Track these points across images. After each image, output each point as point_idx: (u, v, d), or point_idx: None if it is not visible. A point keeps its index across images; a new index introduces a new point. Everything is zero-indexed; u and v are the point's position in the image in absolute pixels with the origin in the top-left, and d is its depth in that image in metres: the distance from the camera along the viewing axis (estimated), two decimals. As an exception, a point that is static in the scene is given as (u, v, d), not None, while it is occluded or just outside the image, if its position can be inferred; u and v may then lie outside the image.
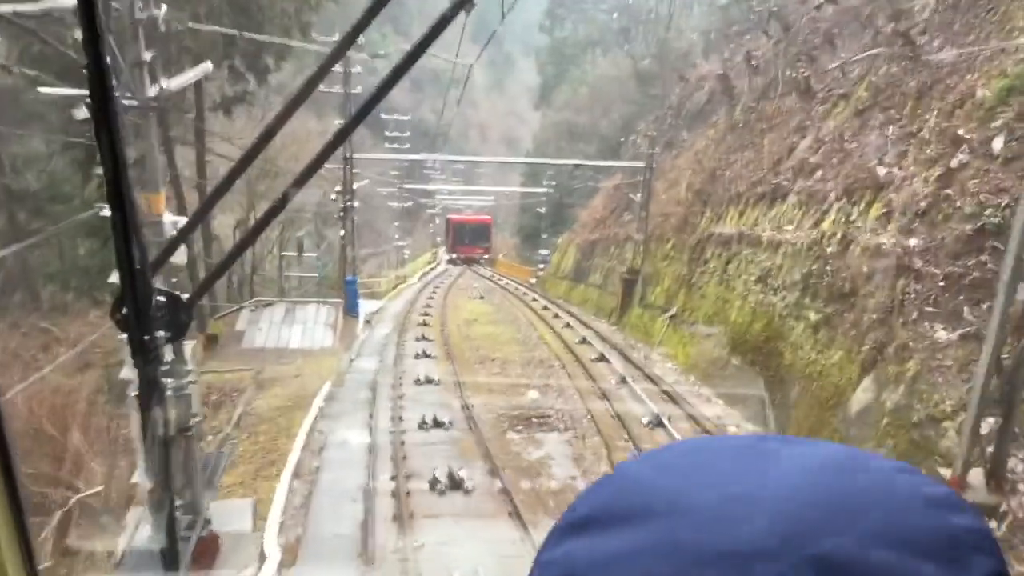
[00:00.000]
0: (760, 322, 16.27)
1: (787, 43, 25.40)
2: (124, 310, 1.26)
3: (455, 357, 20.86)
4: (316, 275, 29.78)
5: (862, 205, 14.68)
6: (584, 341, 23.88)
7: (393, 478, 11.33)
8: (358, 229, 34.29)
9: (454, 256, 64.48)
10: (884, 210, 13.57)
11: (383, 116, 46.98)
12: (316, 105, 46.66)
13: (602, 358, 20.71)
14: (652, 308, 25.89)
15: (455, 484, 10.89)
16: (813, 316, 13.66)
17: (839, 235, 14.16)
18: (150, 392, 1.51)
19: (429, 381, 17.69)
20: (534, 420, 14.89)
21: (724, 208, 22.59)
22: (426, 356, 21.05)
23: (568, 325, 27.67)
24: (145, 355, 1.34)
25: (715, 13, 44.27)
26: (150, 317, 1.29)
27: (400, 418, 14.59)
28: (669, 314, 23.29)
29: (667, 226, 27.20)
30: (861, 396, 11.47)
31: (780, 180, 19.69)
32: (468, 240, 64.25)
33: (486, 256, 65.16)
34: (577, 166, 35.17)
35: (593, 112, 59.92)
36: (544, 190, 52.38)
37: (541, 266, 50.09)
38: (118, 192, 1.11)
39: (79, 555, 10.90)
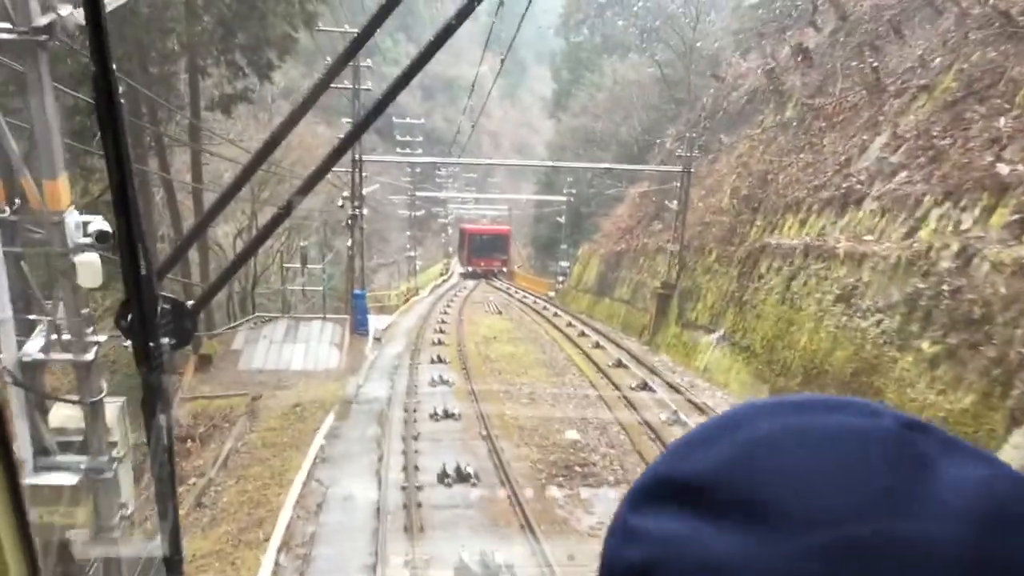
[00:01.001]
0: (844, 350, 13.65)
1: (845, 33, 22.86)
2: (129, 317, 1.15)
3: (476, 384, 18.29)
4: (321, 288, 27.22)
5: (976, 210, 12.09)
6: (620, 364, 21.28)
7: (408, 563, 8.76)
8: (367, 239, 31.84)
9: (469, 269, 60.68)
10: (1015, 216, 10.98)
11: (395, 119, 44.61)
12: (324, 112, 44.41)
13: (645, 386, 18.12)
14: (693, 327, 23.28)
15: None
16: (928, 347, 11.04)
17: (954, 247, 11.55)
18: (154, 400, 1.20)
19: (448, 415, 15.12)
20: (577, 469, 12.31)
21: (780, 216, 20.00)
22: (443, 383, 18.48)
23: (598, 345, 25.06)
24: (150, 362, 1.17)
25: (745, 13, 41.80)
26: (155, 324, 1.17)
27: (416, 467, 12.00)
28: (717, 335, 20.67)
29: (708, 236, 24.60)
30: (1013, 454, 8.85)
31: (851, 183, 17.12)
32: (485, 252, 60.49)
33: (504, 269, 61.46)
34: (608, 170, 32.53)
35: (612, 118, 57.68)
36: (563, 198, 49.74)
37: (560, 278, 47.46)
38: (123, 197, 1.02)
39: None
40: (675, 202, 26.78)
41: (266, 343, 24.14)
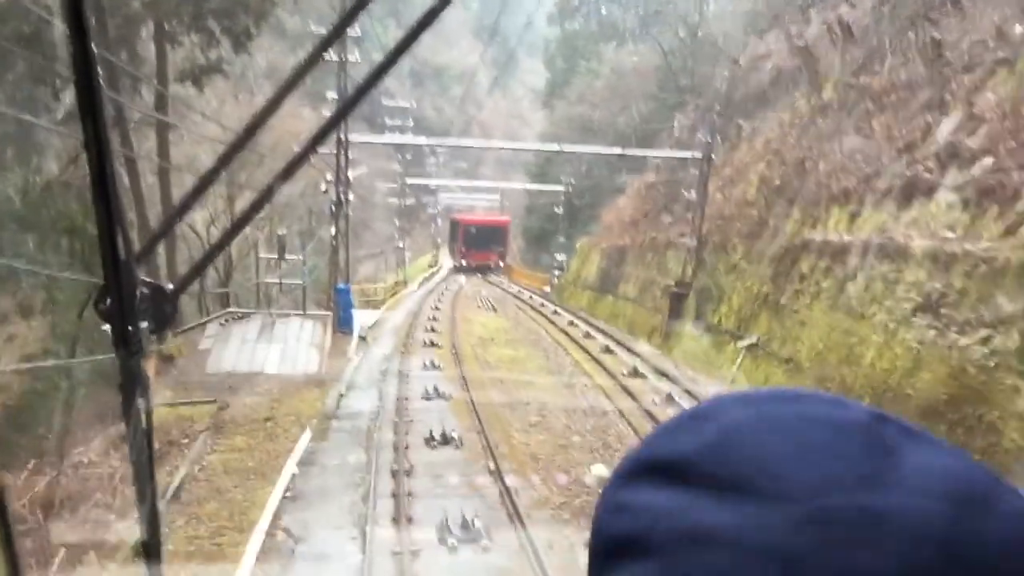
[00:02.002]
0: (933, 371, 11.22)
1: (893, 5, 20.44)
2: (108, 301, 1.11)
3: (476, 397, 15.79)
4: (301, 282, 24.57)
5: (1113, 203, 9.71)
6: (636, 373, 18.84)
7: None
8: (353, 228, 29.26)
9: (463, 263, 55.60)
10: None
11: (384, 101, 41.89)
12: (310, 98, 41.92)
13: (671, 401, 15.68)
14: (715, 332, 20.86)
15: None
16: (1071, 377, 8.62)
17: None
18: (133, 384, 1.14)
19: (446, 441, 12.60)
20: (611, 518, 9.81)
21: (823, 209, 17.60)
22: (439, 396, 15.96)
23: (608, 349, 22.61)
24: (128, 346, 1.11)
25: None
26: (134, 308, 1.12)
27: (409, 519, 9.48)
28: (747, 343, 18.25)
29: (731, 231, 22.19)
30: None
31: (917, 171, 14.72)
32: (480, 244, 55.44)
33: (501, 264, 56.69)
34: (619, 157, 29.89)
35: (610, 107, 55.52)
36: (561, 188, 47.19)
37: (557, 273, 44.95)
38: (102, 179, 1.01)
39: None
40: (690, 193, 24.37)
41: (238, 342, 21.55)
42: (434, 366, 19.21)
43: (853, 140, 18.26)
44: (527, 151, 66.21)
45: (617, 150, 27.21)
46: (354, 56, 23.91)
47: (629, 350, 22.90)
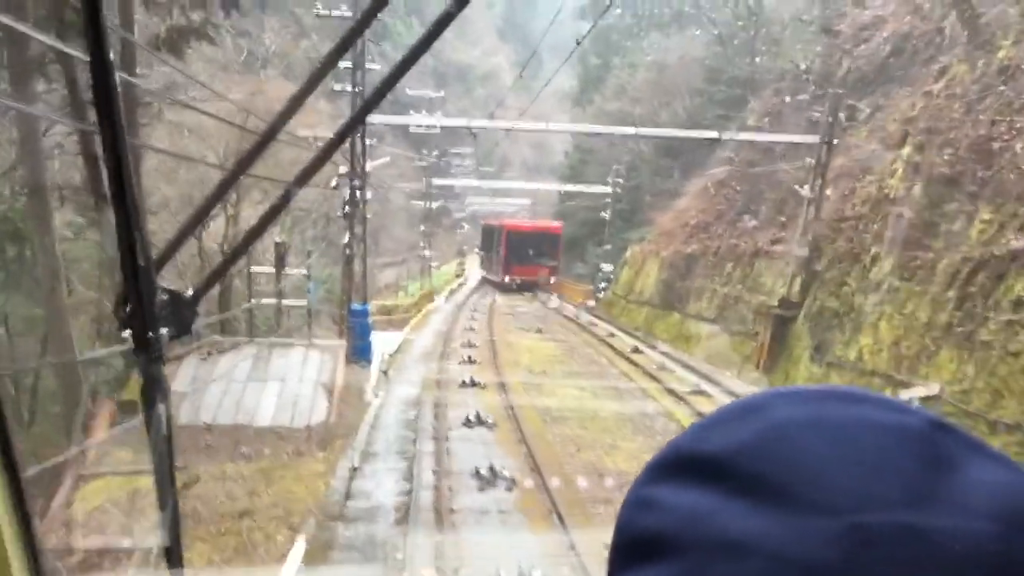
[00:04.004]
0: None
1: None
2: (128, 307, 1.12)
3: (548, 475, 10.65)
4: (305, 303, 19.53)
5: None
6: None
7: None
8: (372, 233, 24.26)
9: (506, 279, 45.71)
10: None
11: (409, 92, 37.04)
12: (327, 95, 37.39)
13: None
14: (850, 370, 15.62)
15: None
16: None
17: None
18: (153, 390, 1.16)
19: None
20: None
21: (1038, 204, 12.38)
22: (495, 478, 10.79)
23: (700, 390, 17.44)
24: (149, 352, 1.13)
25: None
26: (154, 314, 1.12)
27: None
28: (922, 393, 13.00)
29: (863, 236, 16.98)
30: None
31: None
32: (529, 257, 45.61)
33: (552, 279, 46.49)
34: (718, 139, 24.53)
35: (651, 103, 50.78)
36: (608, 189, 42.14)
37: (603, 285, 39.75)
38: (120, 186, 1.00)
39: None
40: (803, 188, 19.15)
41: (222, 383, 16.48)
42: (480, 421, 14.10)
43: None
44: (545, 156, 61.15)
45: (710, 134, 21.95)
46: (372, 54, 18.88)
47: (724, 389, 17.76)
